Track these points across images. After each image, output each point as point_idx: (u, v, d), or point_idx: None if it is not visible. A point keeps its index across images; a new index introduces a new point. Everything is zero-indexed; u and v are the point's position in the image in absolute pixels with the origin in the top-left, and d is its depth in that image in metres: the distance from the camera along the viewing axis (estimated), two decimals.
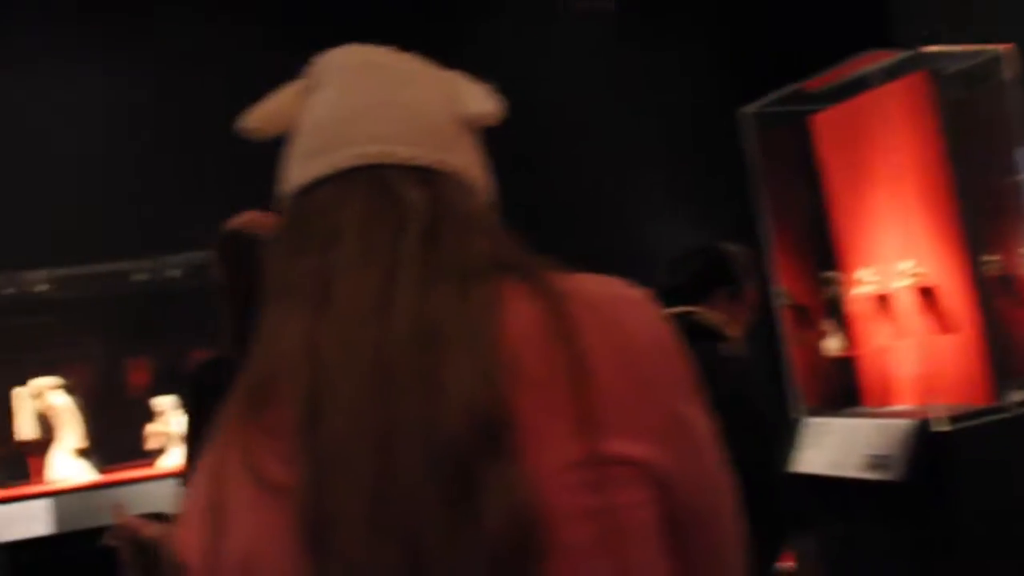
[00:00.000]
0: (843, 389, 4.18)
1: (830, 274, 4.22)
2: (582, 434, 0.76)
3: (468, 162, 0.90)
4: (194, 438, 2.06)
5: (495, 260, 0.83)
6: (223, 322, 2.16)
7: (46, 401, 3.91)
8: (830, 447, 3.79)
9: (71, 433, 3.95)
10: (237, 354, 2.12)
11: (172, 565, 0.92)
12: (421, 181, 0.84)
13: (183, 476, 2.09)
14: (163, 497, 3.21)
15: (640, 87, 4.91)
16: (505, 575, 0.73)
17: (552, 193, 4.47)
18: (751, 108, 4.36)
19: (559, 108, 4.57)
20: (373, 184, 0.84)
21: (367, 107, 0.88)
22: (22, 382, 3.96)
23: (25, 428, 3.94)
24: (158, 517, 2.81)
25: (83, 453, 3.99)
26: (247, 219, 2.22)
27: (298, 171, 0.89)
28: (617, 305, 0.82)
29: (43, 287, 4.57)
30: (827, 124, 4.35)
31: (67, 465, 3.92)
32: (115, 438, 4.26)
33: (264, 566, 0.79)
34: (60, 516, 3.69)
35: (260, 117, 0.93)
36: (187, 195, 4.27)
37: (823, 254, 4.24)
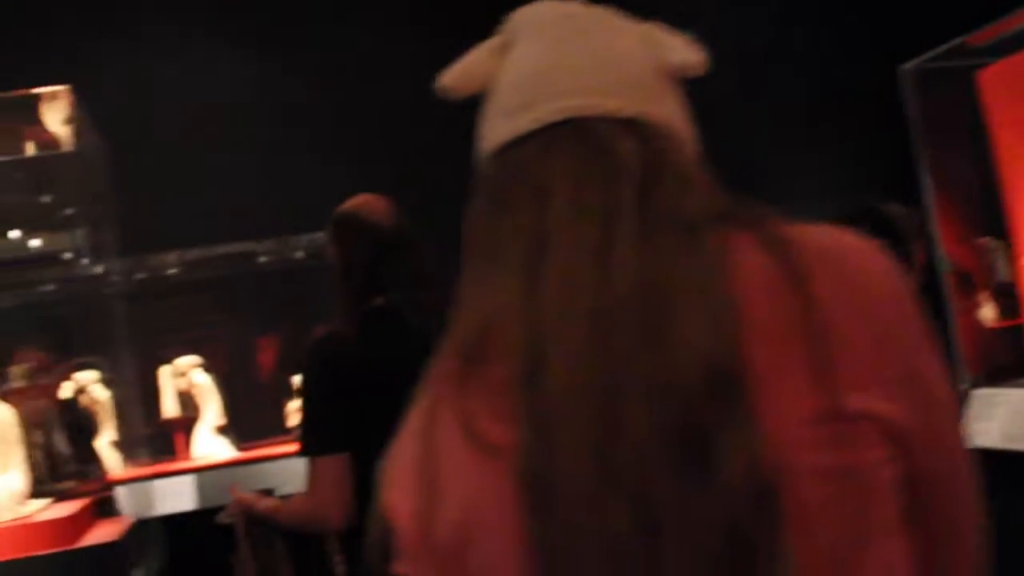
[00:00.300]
0: (1010, 359, 4.00)
1: (992, 240, 4.05)
2: (819, 389, 0.72)
3: (673, 114, 0.87)
4: (311, 411, 2.13)
5: (716, 210, 0.80)
6: (337, 301, 2.22)
7: (188, 380, 4.04)
8: (1002, 419, 3.65)
9: (212, 411, 4.08)
10: (353, 331, 2.14)
11: (378, 531, 0.89)
12: (630, 133, 0.82)
13: (303, 450, 2.12)
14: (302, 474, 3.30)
15: (795, 45, 4.79)
16: (742, 537, 0.70)
17: (708, 154, 4.41)
18: (911, 65, 4.18)
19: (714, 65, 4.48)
20: (581, 137, 0.82)
21: (569, 60, 0.86)
22: (161, 363, 4.11)
23: (169, 406, 4.09)
24: (269, 492, 2.88)
25: (222, 430, 4.12)
26: (360, 202, 2.29)
27: (499, 129, 0.87)
28: (849, 254, 0.78)
29: (173, 270, 4.72)
30: (994, 80, 4.12)
31: (209, 442, 4.06)
32: (248, 415, 4.39)
33: (482, 530, 0.78)
34: (203, 492, 3.83)
35: (455, 76, 0.91)
36: (313, 176, 4.35)
37: (987, 219, 4.07)
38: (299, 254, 4.83)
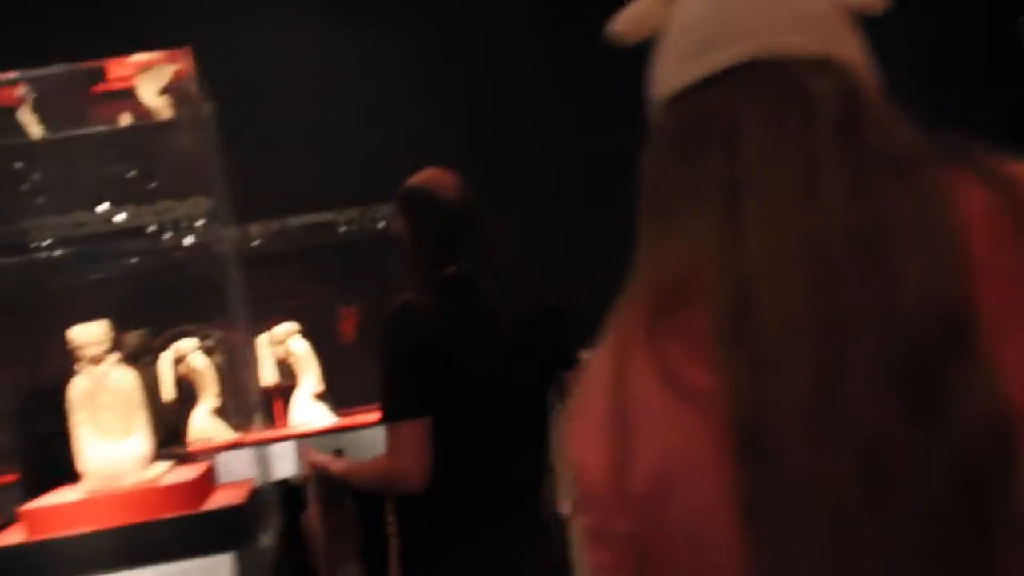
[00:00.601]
0: None
1: None
2: None
3: (855, 53, 0.83)
4: (391, 377, 2.16)
5: (922, 148, 0.77)
6: (409, 272, 2.26)
7: (286, 348, 4.05)
8: None
9: (310, 378, 4.09)
10: (428, 299, 2.19)
11: (566, 486, 0.87)
12: (820, 71, 0.79)
13: (384, 415, 2.15)
14: None
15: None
16: (973, 484, 0.67)
17: None
18: None
19: None
20: (771, 77, 0.79)
21: (749, 0, 0.82)
22: (258, 331, 4.12)
23: (268, 374, 4.10)
24: (340, 453, 2.89)
25: (320, 397, 4.13)
26: (428, 177, 2.33)
27: (675, 74, 0.84)
28: None
29: (259, 240, 4.74)
30: None
31: (307, 409, 4.07)
32: (344, 382, 4.40)
33: (684, 478, 0.75)
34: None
35: (626, 22, 0.88)
36: (399, 147, 4.33)
37: None
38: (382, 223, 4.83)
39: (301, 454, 2.65)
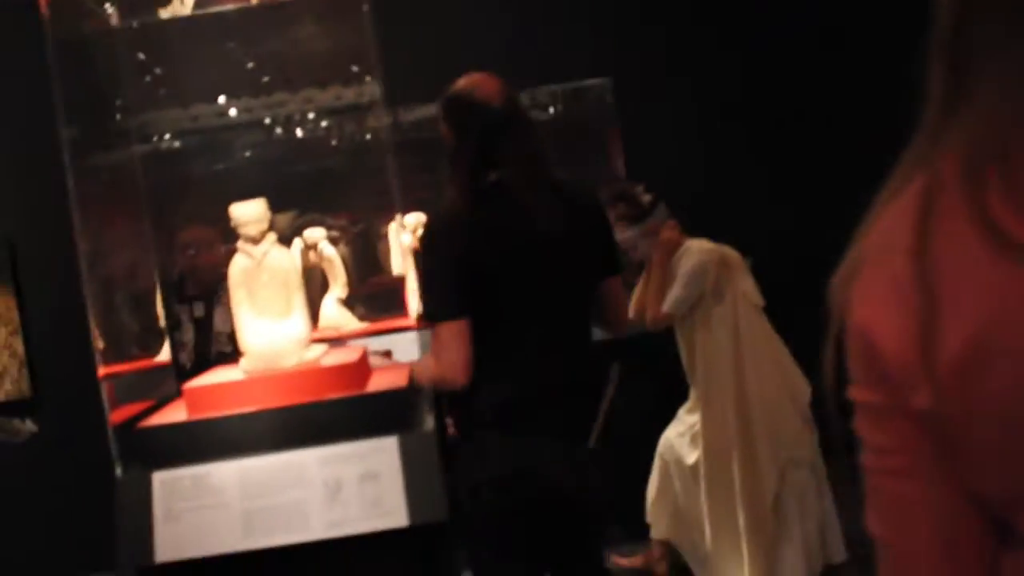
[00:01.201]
0: None
1: None
2: None
3: None
4: (433, 281, 2.30)
5: None
6: (451, 177, 2.33)
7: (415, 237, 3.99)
8: None
9: None
10: (467, 204, 2.25)
11: (859, 356, 0.76)
12: None
13: (427, 316, 2.31)
14: None
15: None
16: None
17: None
18: None
19: None
20: None
21: None
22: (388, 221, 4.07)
23: (397, 264, 4.05)
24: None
25: None
26: (472, 82, 2.33)
27: None
28: None
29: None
30: None
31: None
32: None
33: (1006, 349, 0.65)
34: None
35: None
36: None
37: None
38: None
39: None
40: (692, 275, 3.53)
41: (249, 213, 2.48)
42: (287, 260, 2.55)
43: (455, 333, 2.23)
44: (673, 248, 3.62)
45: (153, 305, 3.16)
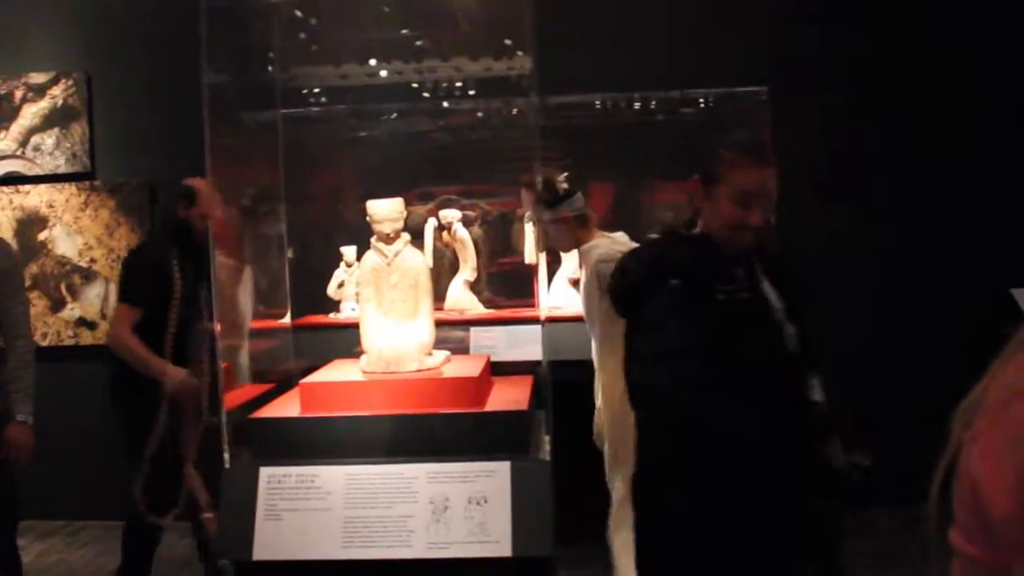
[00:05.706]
0: None
1: None
2: None
3: None
4: None
5: None
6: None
7: None
8: None
9: (570, 261, 3.89)
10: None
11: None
12: None
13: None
14: None
15: None
16: None
17: None
18: None
19: None
20: None
21: None
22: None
23: (530, 252, 3.93)
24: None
25: (575, 284, 3.93)
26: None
27: None
28: None
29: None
30: None
31: (562, 293, 3.89)
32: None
33: None
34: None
35: None
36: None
37: None
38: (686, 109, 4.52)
39: None
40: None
41: (385, 211, 2.38)
42: (419, 261, 2.44)
43: None
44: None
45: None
